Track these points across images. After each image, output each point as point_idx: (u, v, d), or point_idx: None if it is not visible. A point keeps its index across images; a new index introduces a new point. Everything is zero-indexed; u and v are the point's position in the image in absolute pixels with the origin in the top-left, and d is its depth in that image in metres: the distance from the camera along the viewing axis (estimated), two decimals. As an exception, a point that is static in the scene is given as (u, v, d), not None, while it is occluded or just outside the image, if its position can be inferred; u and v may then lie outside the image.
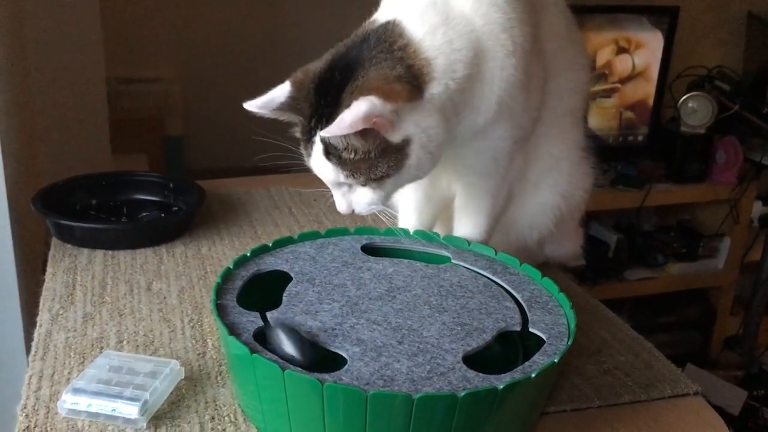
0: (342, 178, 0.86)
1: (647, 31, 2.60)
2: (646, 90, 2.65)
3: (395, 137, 0.82)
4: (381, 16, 0.88)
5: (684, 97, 2.60)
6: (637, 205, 2.59)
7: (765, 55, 2.75)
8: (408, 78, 0.82)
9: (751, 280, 2.81)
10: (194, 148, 2.63)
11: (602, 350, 0.94)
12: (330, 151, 0.84)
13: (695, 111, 2.60)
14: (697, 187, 2.67)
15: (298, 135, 0.89)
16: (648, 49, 2.61)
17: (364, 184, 0.86)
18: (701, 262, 2.79)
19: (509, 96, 0.89)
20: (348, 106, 0.79)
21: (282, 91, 0.86)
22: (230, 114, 2.67)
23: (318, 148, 0.85)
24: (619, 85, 2.62)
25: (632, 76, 2.63)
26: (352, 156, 0.83)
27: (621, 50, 2.60)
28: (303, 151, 0.89)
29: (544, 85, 0.97)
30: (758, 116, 2.61)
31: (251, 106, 0.86)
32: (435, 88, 0.83)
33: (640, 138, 2.69)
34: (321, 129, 0.83)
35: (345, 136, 0.80)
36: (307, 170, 0.91)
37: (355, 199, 0.89)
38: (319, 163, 0.87)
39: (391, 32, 0.84)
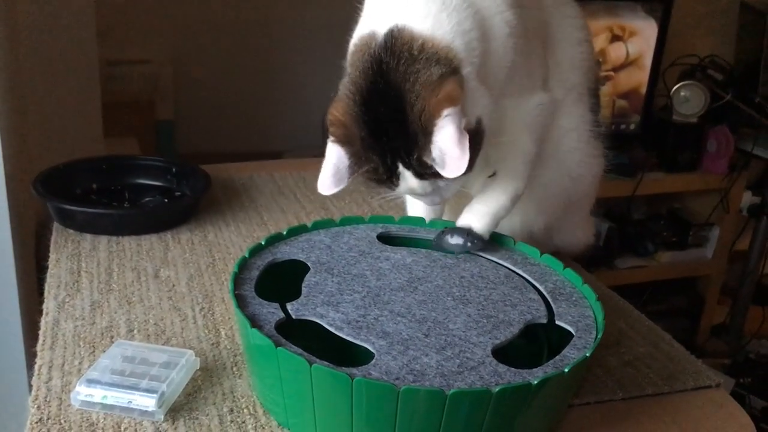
0: (440, 184, 0.85)
1: (641, 19, 2.58)
2: (639, 78, 2.64)
3: (472, 124, 0.82)
4: (372, 24, 0.85)
5: (676, 86, 2.59)
6: (629, 193, 2.58)
7: (757, 44, 2.75)
8: (447, 71, 0.80)
9: (739, 269, 2.82)
10: (184, 132, 2.59)
11: (621, 341, 0.94)
12: (423, 172, 0.83)
13: (687, 100, 2.60)
14: (688, 176, 2.67)
15: (370, 180, 0.86)
16: (642, 37, 2.60)
17: None
18: (690, 251, 2.80)
19: (514, 75, 0.89)
20: (428, 132, 0.78)
21: (339, 158, 0.83)
22: (221, 98, 2.66)
23: (407, 176, 0.84)
24: (612, 73, 2.61)
25: (626, 64, 2.62)
26: None
27: (615, 38, 2.58)
28: (387, 188, 0.87)
29: (546, 61, 0.97)
30: (749, 106, 2.61)
31: (327, 191, 0.83)
32: (466, 68, 0.82)
33: (632, 126, 2.68)
34: (404, 163, 0.82)
35: (436, 153, 0.79)
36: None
37: (444, 192, 0.87)
38: (413, 186, 0.85)
39: (401, 41, 0.81)
